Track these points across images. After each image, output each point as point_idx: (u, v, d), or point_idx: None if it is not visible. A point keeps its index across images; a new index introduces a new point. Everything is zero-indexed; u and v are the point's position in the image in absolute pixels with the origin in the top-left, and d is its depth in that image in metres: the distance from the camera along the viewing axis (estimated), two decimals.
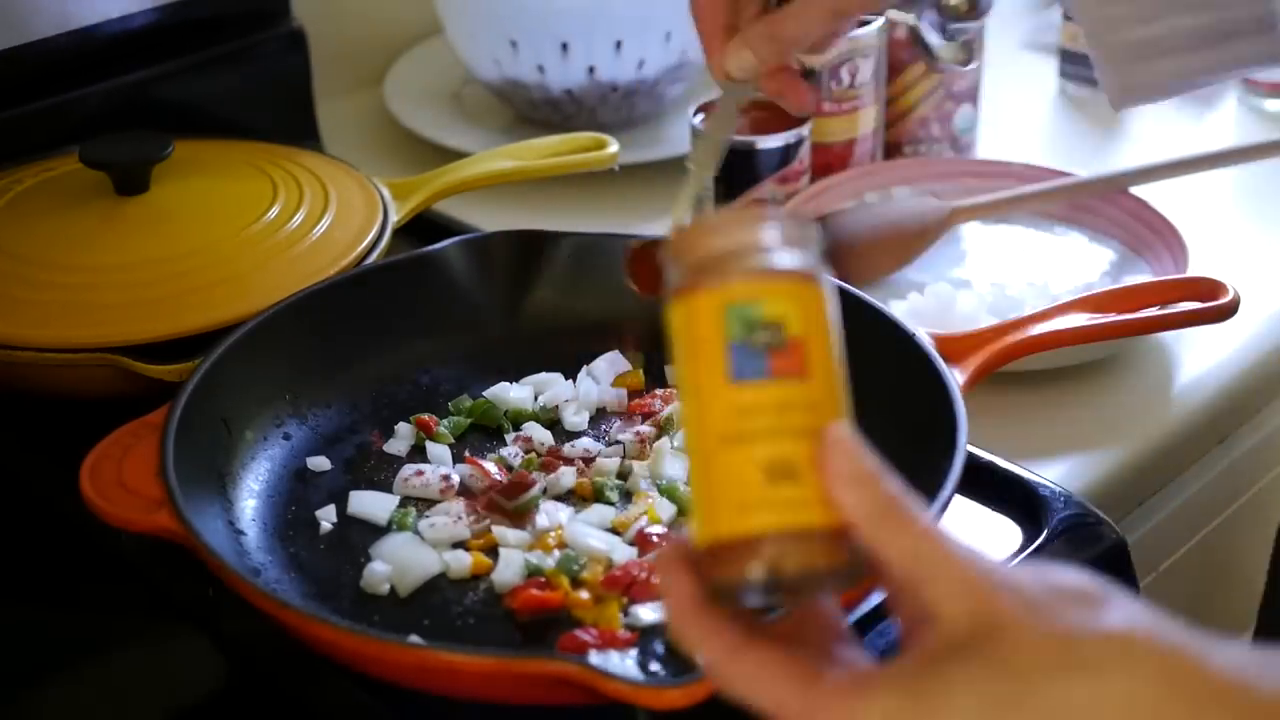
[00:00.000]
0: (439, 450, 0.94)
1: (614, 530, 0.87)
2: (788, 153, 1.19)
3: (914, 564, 0.56)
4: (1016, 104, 1.50)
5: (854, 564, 0.57)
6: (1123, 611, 0.54)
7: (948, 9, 0.91)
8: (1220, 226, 1.26)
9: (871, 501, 0.56)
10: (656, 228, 1.26)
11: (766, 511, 0.56)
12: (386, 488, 0.91)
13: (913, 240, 1.17)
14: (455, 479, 0.91)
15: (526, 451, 0.94)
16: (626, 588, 0.82)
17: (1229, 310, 0.96)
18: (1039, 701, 0.53)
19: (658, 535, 0.86)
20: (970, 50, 0.93)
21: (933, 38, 0.91)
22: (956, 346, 0.92)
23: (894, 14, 0.96)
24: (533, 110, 1.39)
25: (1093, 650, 0.53)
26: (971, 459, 0.85)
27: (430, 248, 1.03)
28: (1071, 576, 0.56)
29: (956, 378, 0.88)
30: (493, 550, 0.86)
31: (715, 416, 0.57)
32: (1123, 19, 0.87)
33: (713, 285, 0.58)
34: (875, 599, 0.83)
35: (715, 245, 0.59)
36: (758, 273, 0.58)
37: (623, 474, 0.91)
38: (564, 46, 1.32)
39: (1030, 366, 1.00)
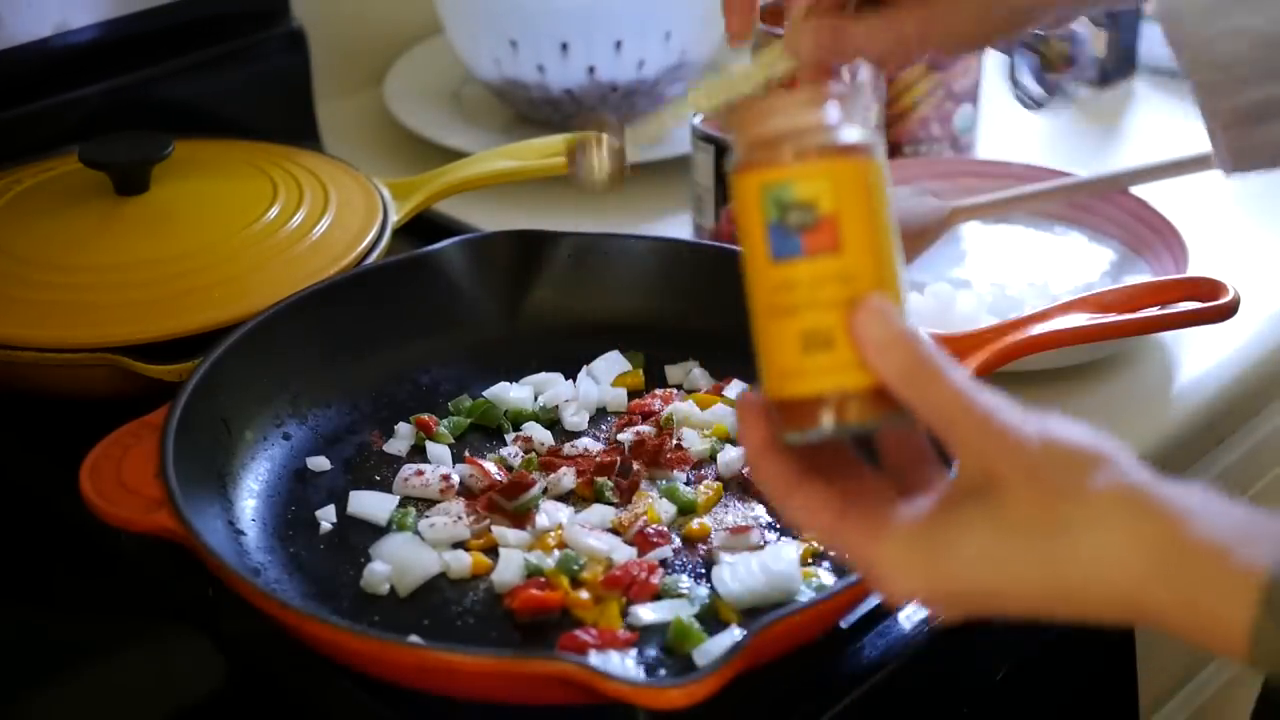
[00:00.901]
0: (439, 450, 0.94)
1: (614, 530, 0.87)
2: None
3: (939, 420, 0.61)
4: (1016, 104, 1.50)
5: (901, 411, 0.62)
6: (1110, 475, 0.59)
7: (1044, 60, 0.92)
8: (1220, 226, 1.26)
9: (900, 364, 0.61)
10: (656, 228, 1.26)
11: (806, 379, 0.62)
12: (386, 488, 0.91)
13: (913, 240, 1.17)
14: (455, 479, 0.91)
15: (526, 451, 0.94)
16: (626, 588, 0.82)
17: (1229, 310, 0.96)
18: (1028, 556, 0.59)
19: (657, 535, 0.86)
20: (1064, 94, 0.94)
21: (1026, 79, 0.91)
22: (956, 346, 0.92)
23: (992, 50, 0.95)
24: (533, 110, 1.39)
25: (1078, 513, 0.59)
26: None
27: (430, 248, 1.03)
28: (1074, 436, 0.60)
29: None
30: (493, 550, 0.86)
31: (761, 291, 0.64)
32: (1237, 81, 0.86)
33: (753, 168, 0.63)
34: (875, 600, 0.83)
35: (758, 128, 0.63)
36: (792, 155, 0.62)
37: (623, 473, 0.91)
38: (564, 46, 1.32)
39: (1030, 366, 1.00)
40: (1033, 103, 0.91)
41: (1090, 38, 0.88)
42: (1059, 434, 0.60)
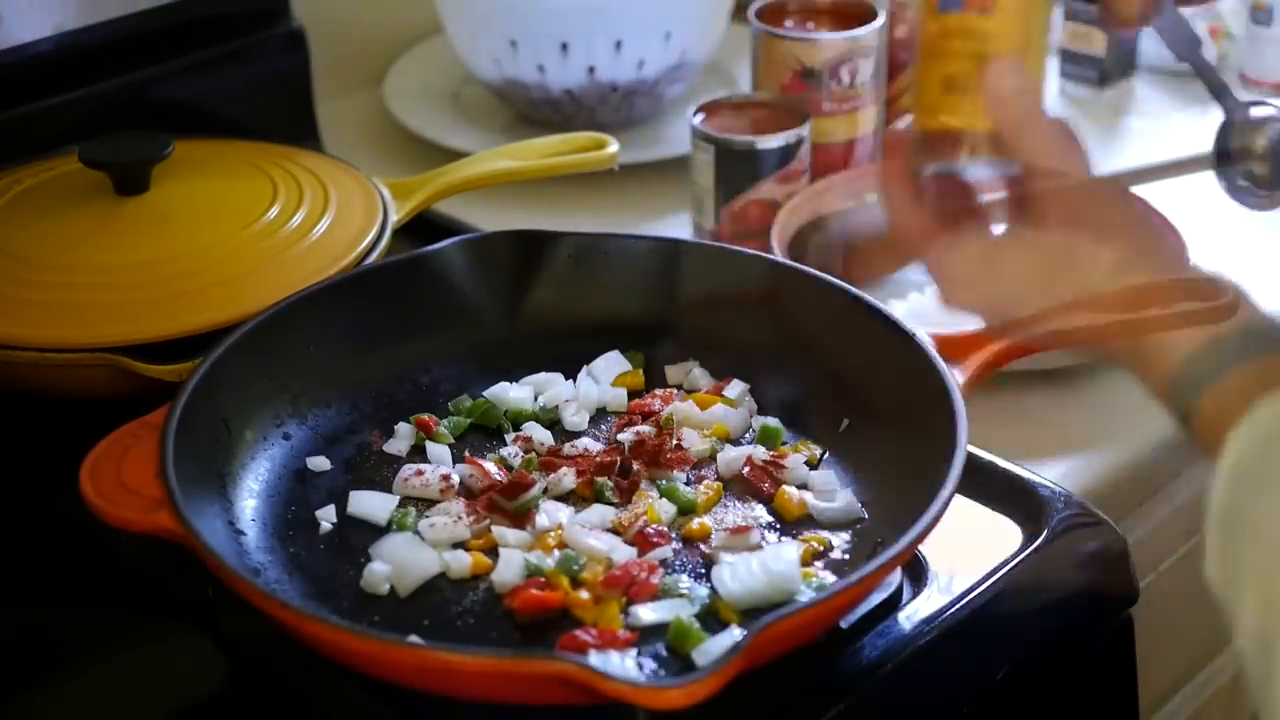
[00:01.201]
0: (439, 450, 0.94)
1: (614, 530, 0.87)
2: (788, 153, 1.19)
3: (1040, 157, 0.75)
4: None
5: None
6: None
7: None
8: (1220, 226, 1.26)
9: (1012, 116, 0.74)
10: (656, 228, 1.26)
11: (942, 116, 0.76)
12: (386, 488, 0.91)
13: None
14: (455, 479, 0.91)
15: (526, 451, 0.94)
16: (626, 588, 0.82)
17: (1229, 310, 0.96)
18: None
19: (657, 535, 0.86)
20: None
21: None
22: (956, 346, 0.92)
23: None
24: (533, 110, 1.39)
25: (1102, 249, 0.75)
26: (972, 459, 0.85)
27: (430, 248, 1.03)
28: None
29: (956, 378, 0.88)
30: (493, 550, 0.86)
31: (924, 36, 0.77)
32: None
33: None
34: (875, 600, 0.83)
35: None
36: None
37: (623, 473, 0.91)
38: (564, 46, 1.32)
39: (1030, 366, 1.00)
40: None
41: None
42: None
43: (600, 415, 0.98)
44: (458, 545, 0.86)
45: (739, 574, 0.82)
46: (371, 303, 1.00)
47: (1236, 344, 0.73)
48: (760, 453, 0.92)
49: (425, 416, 0.96)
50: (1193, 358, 0.73)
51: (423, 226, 1.16)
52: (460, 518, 0.87)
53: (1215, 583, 0.67)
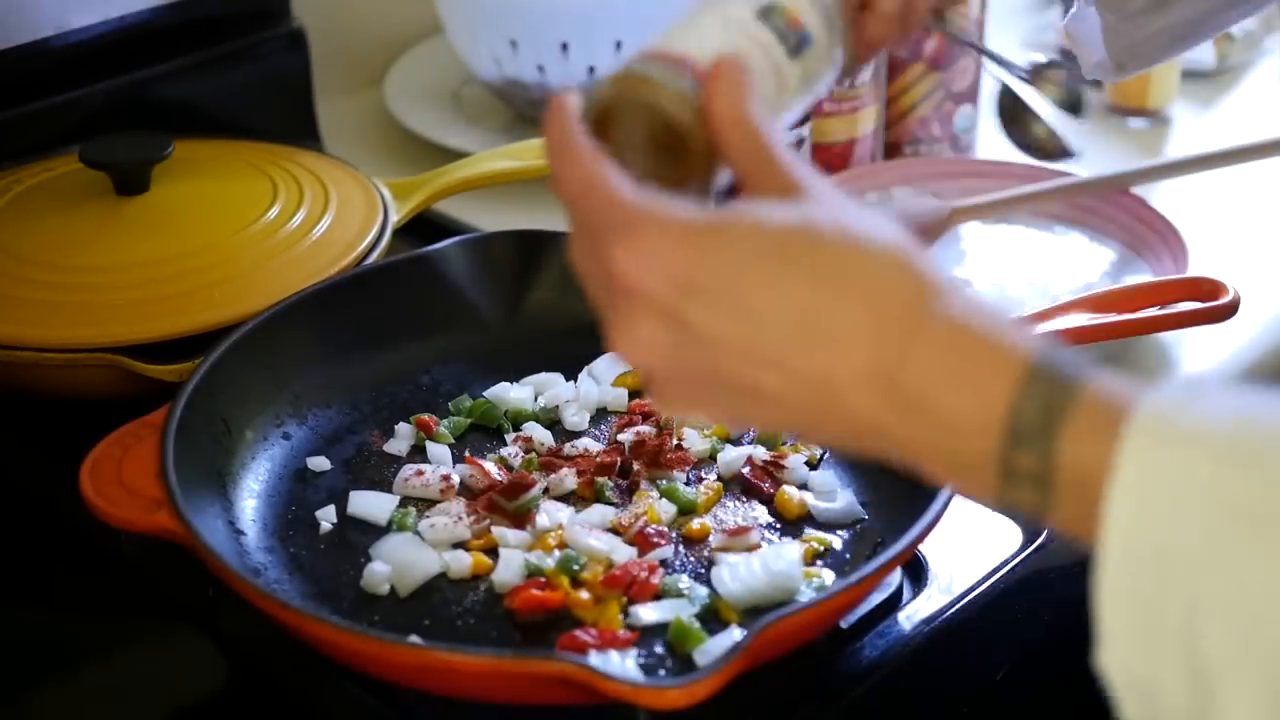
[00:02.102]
0: (439, 450, 0.94)
1: (614, 530, 0.87)
2: None
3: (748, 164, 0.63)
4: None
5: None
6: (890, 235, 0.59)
7: (1036, 148, 0.96)
8: (1220, 226, 1.26)
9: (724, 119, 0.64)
10: None
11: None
12: (386, 488, 0.91)
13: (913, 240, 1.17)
14: (455, 479, 0.91)
15: (526, 451, 0.94)
16: (626, 588, 0.82)
17: (1229, 310, 0.96)
18: (794, 280, 0.57)
19: (657, 535, 0.86)
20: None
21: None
22: None
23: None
24: (533, 110, 1.39)
25: (867, 259, 0.58)
26: None
27: (430, 248, 1.03)
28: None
29: None
30: (493, 550, 0.86)
31: None
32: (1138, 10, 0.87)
33: None
34: (875, 600, 0.83)
35: None
36: None
37: (623, 473, 0.91)
38: (564, 46, 1.32)
39: None
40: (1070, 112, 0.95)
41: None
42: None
43: (601, 415, 0.98)
44: (458, 545, 0.86)
45: (739, 574, 0.82)
46: (371, 303, 1.00)
47: (1056, 373, 0.55)
48: (760, 453, 0.92)
49: (425, 416, 0.96)
50: (1017, 408, 0.54)
51: (423, 226, 1.16)
52: (460, 518, 0.87)
53: (1128, 677, 0.52)
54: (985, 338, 0.56)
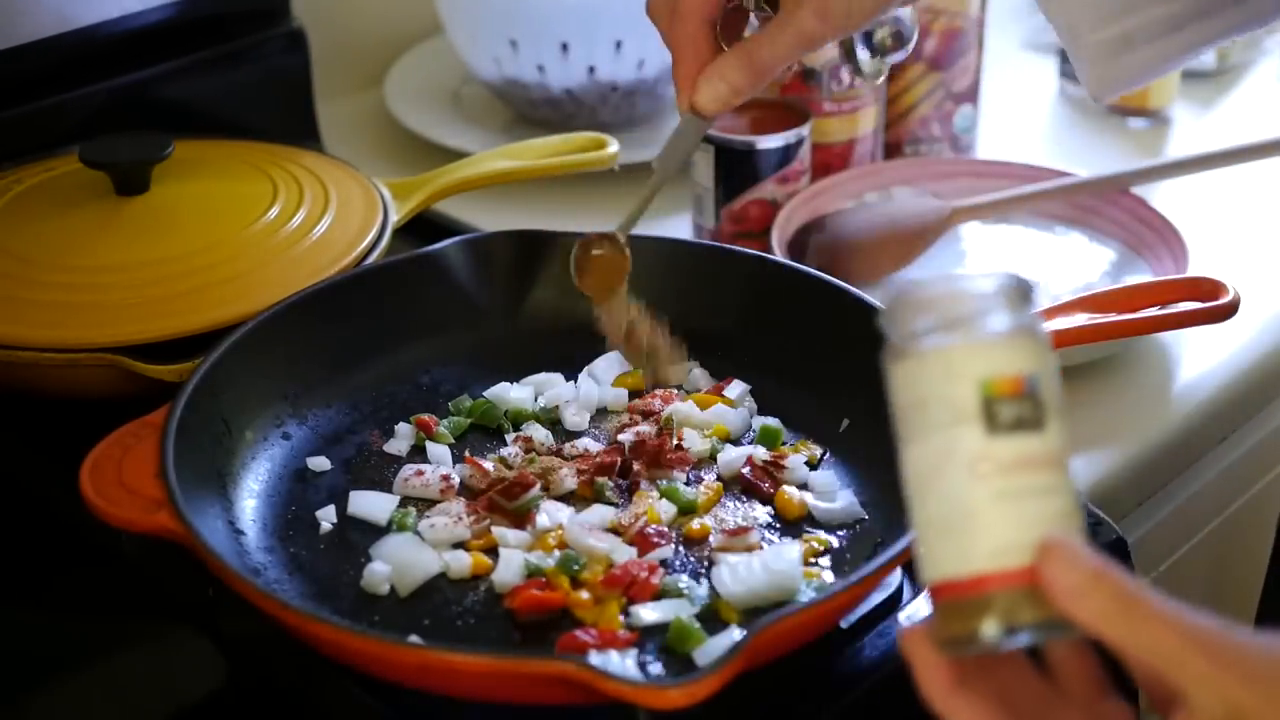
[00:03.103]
0: (439, 450, 0.94)
1: (614, 530, 0.87)
2: (788, 153, 1.19)
3: (1157, 658, 0.57)
4: (1016, 104, 1.50)
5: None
6: None
7: (878, 46, 0.96)
8: (1220, 226, 1.26)
9: (1101, 607, 0.57)
10: (656, 228, 1.26)
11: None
12: (386, 488, 0.91)
13: (913, 240, 1.17)
14: (455, 479, 0.91)
15: (526, 451, 0.94)
16: (626, 588, 0.82)
17: (1229, 310, 0.96)
18: None
19: (657, 535, 0.86)
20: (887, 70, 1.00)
21: (862, 54, 0.96)
22: None
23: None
24: (533, 110, 1.39)
25: None
26: None
27: (430, 248, 1.03)
28: None
29: None
30: (493, 550, 0.86)
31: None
32: (1098, 18, 0.86)
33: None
34: (875, 600, 0.83)
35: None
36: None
37: (623, 473, 0.91)
38: (564, 46, 1.32)
39: None
40: (868, 76, 0.97)
41: (913, 21, 0.94)
42: None
43: (601, 415, 0.98)
44: (458, 545, 0.86)
45: (739, 574, 0.82)
46: (371, 303, 1.00)
47: None
48: (760, 453, 0.92)
49: (425, 416, 0.96)
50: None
51: (423, 226, 1.16)
52: (460, 518, 0.87)
53: None
54: None
